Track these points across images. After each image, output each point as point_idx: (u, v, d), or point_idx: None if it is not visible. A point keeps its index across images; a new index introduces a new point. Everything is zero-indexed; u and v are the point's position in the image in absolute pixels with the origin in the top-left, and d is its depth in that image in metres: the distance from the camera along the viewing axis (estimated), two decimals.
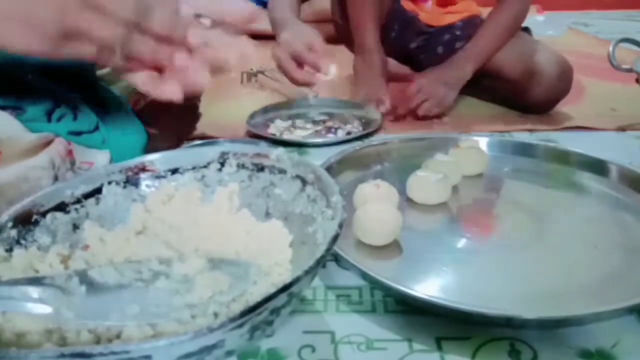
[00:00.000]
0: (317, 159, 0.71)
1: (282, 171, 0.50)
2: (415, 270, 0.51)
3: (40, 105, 0.60)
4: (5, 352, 0.30)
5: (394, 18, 1.12)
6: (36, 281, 0.36)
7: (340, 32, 1.19)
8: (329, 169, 0.65)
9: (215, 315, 0.37)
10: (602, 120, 0.95)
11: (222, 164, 0.52)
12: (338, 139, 0.87)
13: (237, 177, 0.52)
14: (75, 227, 0.47)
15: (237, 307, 0.37)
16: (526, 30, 1.09)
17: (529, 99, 0.97)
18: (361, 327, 0.44)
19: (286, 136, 0.89)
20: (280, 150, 0.51)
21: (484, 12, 1.08)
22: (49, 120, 0.61)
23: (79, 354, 0.28)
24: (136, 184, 0.51)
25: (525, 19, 1.06)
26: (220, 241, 0.47)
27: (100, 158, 0.64)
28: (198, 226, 0.48)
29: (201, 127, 0.83)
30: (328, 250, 0.37)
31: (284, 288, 0.33)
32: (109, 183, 0.50)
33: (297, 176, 0.49)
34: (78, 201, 0.48)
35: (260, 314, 0.32)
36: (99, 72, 0.67)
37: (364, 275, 0.48)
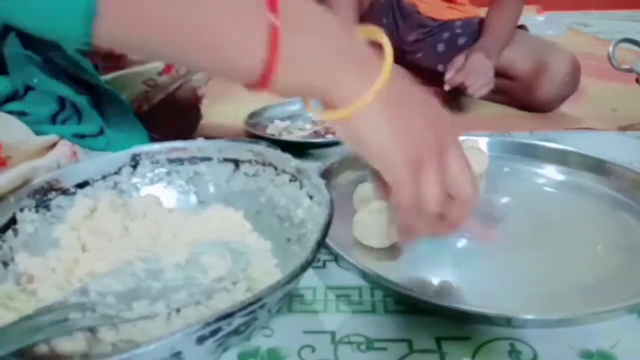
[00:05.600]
0: (317, 159, 0.71)
1: (206, 159, 0.52)
2: (415, 270, 0.51)
3: (45, 108, 0.60)
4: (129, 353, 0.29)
5: (383, 11, 1.07)
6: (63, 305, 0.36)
7: None
8: (328, 169, 0.65)
9: (234, 283, 0.40)
10: (602, 120, 0.95)
11: (135, 167, 0.51)
12: (338, 139, 0.87)
13: (155, 177, 0.52)
14: (5, 263, 0.42)
15: (256, 274, 0.42)
16: (522, 27, 1.08)
17: (538, 97, 0.97)
18: (361, 327, 0.44)
19: (285, 136, 0.89)
20: (200, 140, 0.52)
21: (483, 13, 1.07)
22: (54, 122, 0.61)
23: (220, 318, 0.30)
24: (47, 206, 0.47)
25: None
26: (174, 233, 0.47)
27: None
28: (141, 228, 0.47)
29: (201, 127, 0.83)
30: (332, 208, 0.41)
31: (316, 248, 0.36)
32: (21, 210, 0.45)
33: (226, 159, 0.51)
34: None
35: (297, 278, 0.35)
36: (103, 77, 0.67)
37: (364, 275, 0.48)
